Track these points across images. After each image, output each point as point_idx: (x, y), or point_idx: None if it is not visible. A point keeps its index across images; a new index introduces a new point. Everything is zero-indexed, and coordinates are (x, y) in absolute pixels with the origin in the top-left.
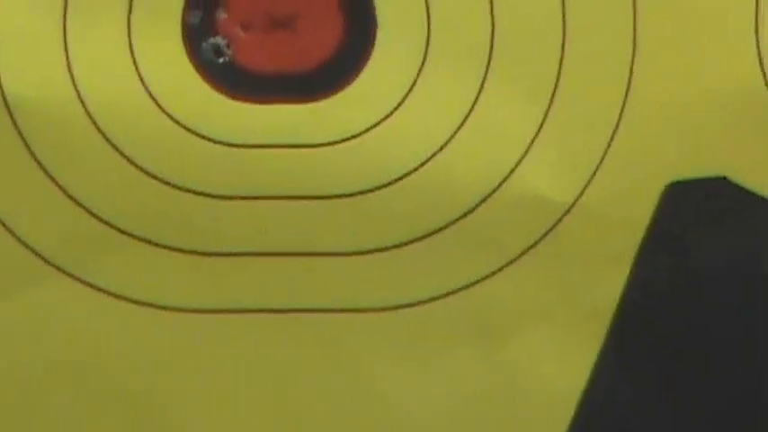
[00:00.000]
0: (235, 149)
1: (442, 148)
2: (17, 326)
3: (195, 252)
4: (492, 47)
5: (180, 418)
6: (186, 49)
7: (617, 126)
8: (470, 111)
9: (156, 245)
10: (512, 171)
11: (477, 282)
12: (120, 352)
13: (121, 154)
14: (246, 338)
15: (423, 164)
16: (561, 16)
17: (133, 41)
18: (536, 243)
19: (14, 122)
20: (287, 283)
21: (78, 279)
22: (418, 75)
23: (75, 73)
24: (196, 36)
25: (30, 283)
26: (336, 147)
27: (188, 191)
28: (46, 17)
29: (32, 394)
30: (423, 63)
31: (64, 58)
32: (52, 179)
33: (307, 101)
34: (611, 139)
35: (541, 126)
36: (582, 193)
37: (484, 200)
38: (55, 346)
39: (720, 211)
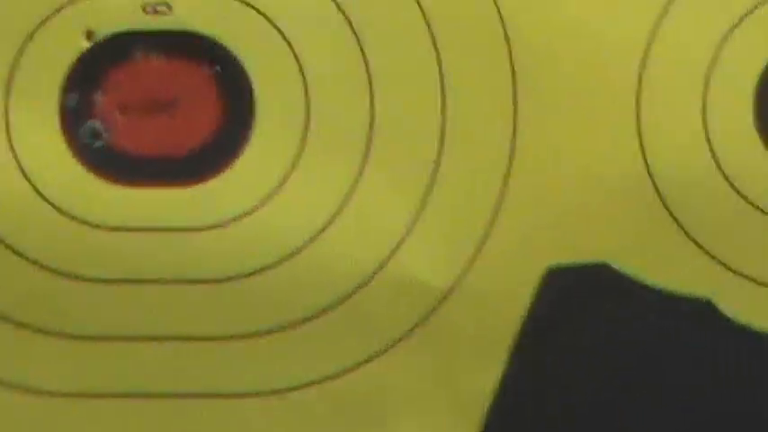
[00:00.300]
0: (112, 233)
1: (319, 233)
2: None
3: (71, 336)
4: (371, 132)
5: None
6: (63, 132)
7: (497, 211)
8: (349, 196)
9: (31, 328)
10: (390, 256)
11: (355, 367)
12: None
13: None
14: (122, 423)
15: (300, 249)
16: (440, 101)
17: (10, 124)
18: (414, 328)
19: None
20: (163, 367)
21: None
22: (297, 160)
23: None
24: (73, 119)
25: None
26: (214, 231)
27: (65, 274)
28: None
29: None
30: (301, 148)
31: None
32: None
33: (185, 185)
34: (491, 224)
35: (420, 211)
36: (461, 279)
37: (362, 285)
38: None
39: (600, 297)
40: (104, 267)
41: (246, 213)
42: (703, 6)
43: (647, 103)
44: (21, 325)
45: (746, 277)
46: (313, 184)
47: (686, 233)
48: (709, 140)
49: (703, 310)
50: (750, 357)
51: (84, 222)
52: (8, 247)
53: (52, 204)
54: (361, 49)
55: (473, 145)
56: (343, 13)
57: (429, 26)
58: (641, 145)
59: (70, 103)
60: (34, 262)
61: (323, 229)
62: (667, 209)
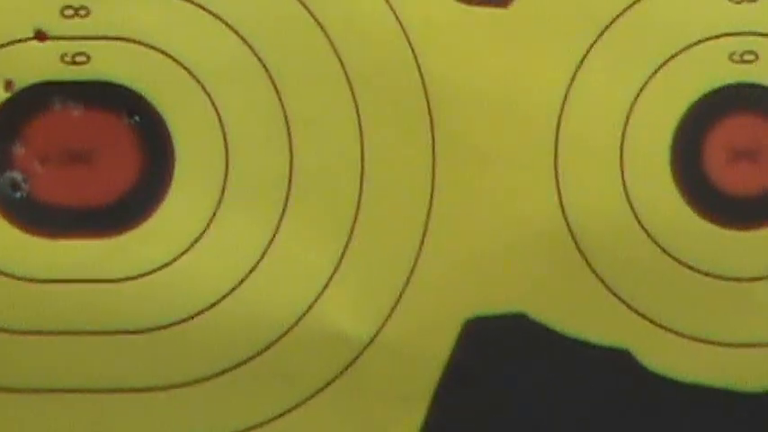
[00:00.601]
0: (32, 284)
1: (239, 284)
2: None
3: None
4: (290, 184)
5: None
6: None
7: (415, 263)
8: (268, 247)
9: None
10: (310, 307)
11: (275, 417)
12: None
13: None
14: None
15: (220, 300)
16: (360, 154)
17: None
18: (334, 379)
19: None
20: (84, 419)
21: None
22: (216, 211)
23: None
24: None
25: None
26: (133, 282)
27: None
28: None
29: None
30: (220, 199)
31: None
32: None
33: (104, 236)
34: (410, 275)
35: (339, 263)
36: (380, 330)
37: (281, 336)
38: None
39: (519, 348)
40: (24, 319)
41: (166, 264)
42: (619, 59)
43: (564, 156)
44: None
45: (664, 328)
46: (233, 235)
47: (605, 284)
48: (626, 192)
49: (621, 361)
50: (668, 408)
51: (4, 274)
52: None
53: None
54: (281, 101)
55: (392, 196)
56: (262, 62)
57: (348, 78)
58: (559, 197)
59: None
60: None
61: (243, 280)
62: (586, 260)
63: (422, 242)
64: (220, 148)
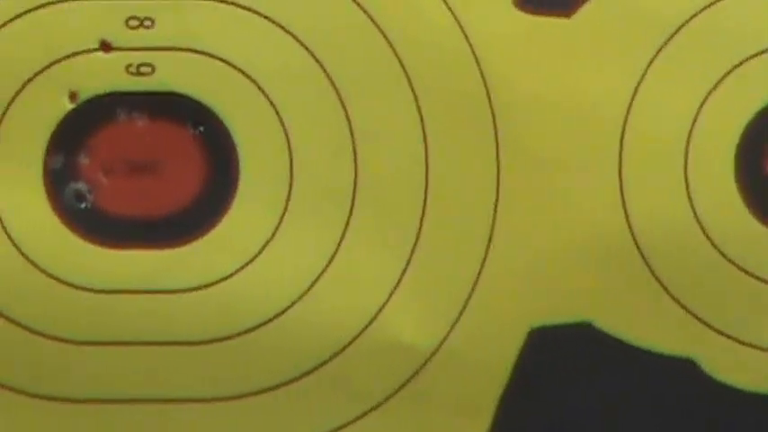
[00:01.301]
0: (96, 295)
1: (303, 295)
2: None
3: (55, 398)
4: (355, 193)
5: None
6: (47, 194)
7: (480, 271)
8: (332, 257)
9: (15, 390)
10: (374, 317)
11: (339, 428)
12: None
13: None
14: None
15: (284, 311)
16: (424, 162)
17: None
18: (398, 389)
19: None
20: (147, 429)
21: None
22: (280, 221)
23: None
24: (58, 181)
25: None
26: (199, 293)
27: (51, 336)
28: None
29: None
30: (285, 210)
31: None
32: None
33: (168, 246)
34: (474, 284)
35: (404, 273)
36: (445, 340)
37: (345, 346)
38: None
39: (584, 357)
40: (89, 329)
41: (230, 275)
42: (684, 67)
43: (629, 163)
44: (5, 387)
45: (728, 336)
46: (297, 245)
47: (668, 292)
48: (690, 200)
49: (685, 370)
50: (731, 415)
51: (69, 284)
52: None
53: (37, 266)
54: (345, 110)
55: (456, 206)
56: (327, 73)
57: (412, 87)
58: (624, 205)
59: (54, 165)
60: (18, 323)
61: (307, 291)
62: (649, 268)
63: (486, 251)
64: (285, 157)
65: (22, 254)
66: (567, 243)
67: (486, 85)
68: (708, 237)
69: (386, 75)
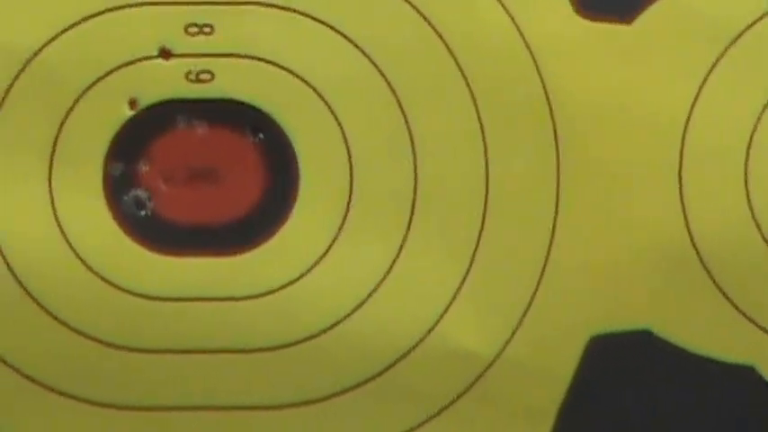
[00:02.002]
0: (156, 303)
1: (363, 302)
2: None
3: (117, 406)
4: (415, 200)
5: None
6: (107, 201)
7: (540, 279)
8: (392, 265)
9: (77, 398)
10: (434, 324)
11: None
12: None
13: (42, 307)
14: None
15: (345, 317)
16: (484, 168)
17: (54, 193)
18: (458, 397)
19: None
20: None
21: None
22: (340, 229)
23: None
24: (117, 188)
25: None
26: (259, 300)
27: (110, 344)
28: None
29: None
30: (344, 217)
31: None
32: None
33: (228, 254)
34: (534, 292)
35: (464, 280)
36: (505, 347)
37: (405, 354)
38: None
39: (644, 365)
40: (147, 337)
41: (290, 283)
42: (744, 74)
43: (689, 170)
44: (67, 396)
45: None
46: (357, 253)
47: (728, 299)
48: (751, 207)
49: (746, 377)
50: None
51: (128, 291)
52: (52, 315)
53: (97, 274)
54: (405, 116)
55: (517, 212)
56: (386, 79)
57: (472, 93)
58: (684, 213)
59: (114, 172)
60: (78, 331)
61: (367, 298)
62: (710, 276)
63: (546, 258)
64: (345, 165)
65: (82, 261)
66: (627, 250)
67: (546, 92)
68: None
69: (445, 81)
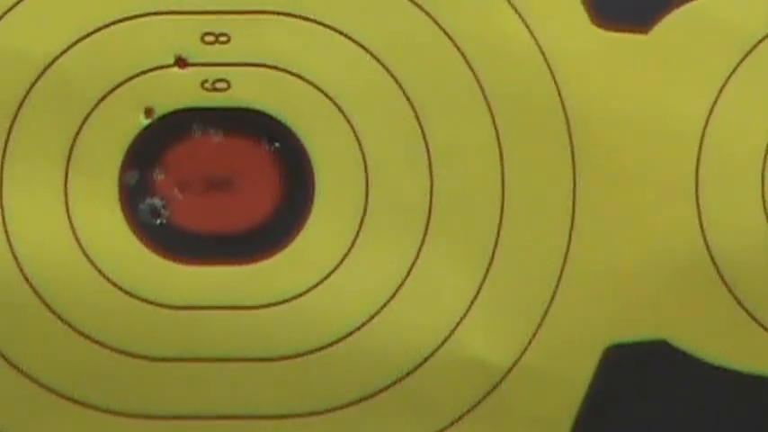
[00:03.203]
0: (172, 311)
1: (379, 311)
2: None
3: (132, 414)
4: (431, 209)
5: None
6: (123, 209)
7: (556, 289)
8: (408, 273)
9: (95, 408)
10: (450, 334)
11: None
12: None
13: (58, 316)
14: None
15: (360, 326)
16: (500, 177)
17: (70, 202)
18: (474, 406)
19: None
20: None
21: None
22: (356, 236)
23: (10, 231)
24: (133, 197)
25: None
26: (274, 309)
27: (126, 353)
28: None
29: None
30: (360, 226)
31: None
32: None
33: (244, 262)
34: (550, 302)
35: (480, 289)
36: (520, 357)
37: (422, 363)
38: None
39: (660, 375)
40: (164, 345)
41: (306, 291)
42: (761, 83)
43: (706, 180)
44: (82, 404)
45: None
46: (373, 262)
47: (746, 310)
48: (767, 216)
49: (762, 387)
50: None
51: (143, 300)
52: (67, 324)
53: (112, 282)
54: (420, 125)
55: (532, 221)
56: (402, 88)
57: (488, 103)
58: (701, 224)
59: (130, 181)
60: (94, 340)
61: (383, 307)
62: (727, 286)
63: (563, 267)
64: (361, 173)
65: (98, 269)
66: (644, 259)
67: (562, 101)
68: None
69: (462, 90)
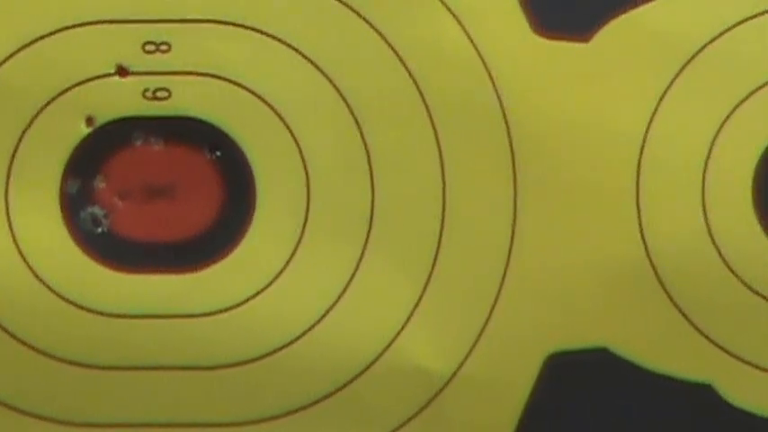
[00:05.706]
0: (114, 320)
1: (320, 319)
2: None
3: (71, 423)
4: (372, 217)
5: None
6: (64, 218)
7: (497, 296)
8: (350, 280)
9: (31, 415)
10: (391, 342)
11: None
12: None
13: None
14: None
15: (301, 335)
16: (441, 185)
17: (11, 210)
18: (416, 414)
19: None
20: None
21: None
22: (297, 246)
23: None
24: (74, 206)
25: None
26: (216, 317)
27: (68, 362)
28: None
29: None
30: (302, 234)
31: None
32: None
33: (184, 271)
34: (492, 310)
35: (421, 296)
36: (462, 365)
37: (362, 371)
38: None
39: (601, 383)
40: (105, 354)
41: (246, 300)
42: (701, 93)
43: (646, 189)
44: (21, 412)
45: (747, 362)
46: (314, 270)
47: (687, 318)
48: (708, 226)
49: (703, 395)
50: None
51: (85, 309)
52: (8, 333)
53: (53, 290)
54: (361, 134)
55: (473, 230)
56: (343, 96)
57: (429, 111)
58: (641, 230)
59: (71, 190)
60: (35, 348)
61: (324, 315)
62: (668, 294)
63: (504, 276)
64: (302, 182)
65: (39, 278)
66: (585, 267)
67: (503, 109)
68: (725, 262)
69: (402, 100)
